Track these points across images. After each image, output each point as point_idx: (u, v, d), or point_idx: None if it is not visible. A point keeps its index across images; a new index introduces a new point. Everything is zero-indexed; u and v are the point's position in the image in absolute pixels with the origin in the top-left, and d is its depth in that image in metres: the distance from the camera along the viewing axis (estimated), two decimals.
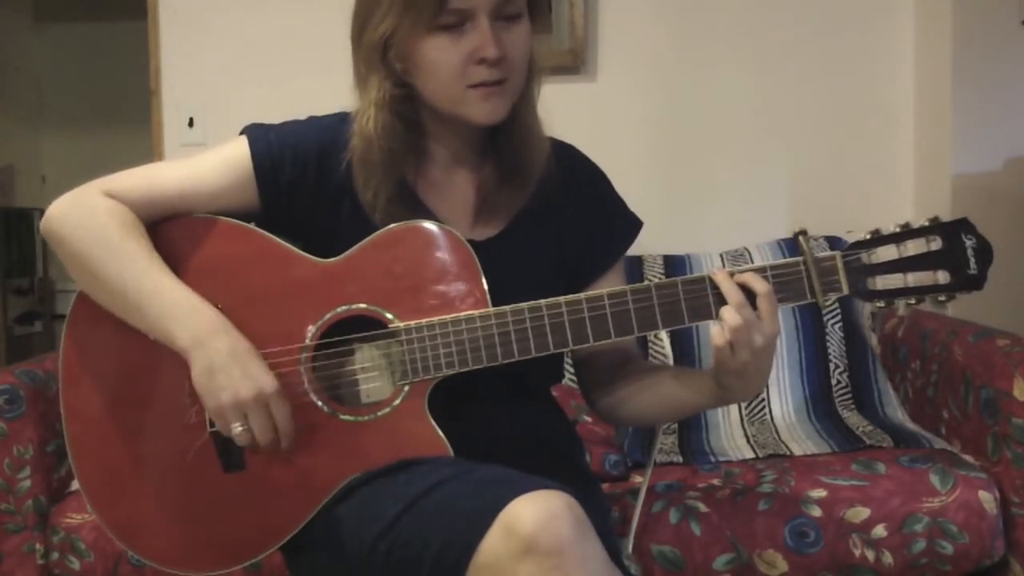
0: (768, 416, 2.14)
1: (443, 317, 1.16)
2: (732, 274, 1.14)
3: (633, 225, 1.36)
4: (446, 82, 1.16)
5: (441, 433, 1.16)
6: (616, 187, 1.37)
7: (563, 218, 1.30)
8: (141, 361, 1.20)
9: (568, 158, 1.33)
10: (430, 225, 1.19)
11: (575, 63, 2.51)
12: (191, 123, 2.60)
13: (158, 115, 2.62)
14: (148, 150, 2.64)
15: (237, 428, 1.12)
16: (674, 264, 2.30)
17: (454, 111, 1.19)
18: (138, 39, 2.77)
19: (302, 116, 1.29)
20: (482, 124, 1.20)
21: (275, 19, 2.57)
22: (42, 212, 1.21)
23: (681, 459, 1.90)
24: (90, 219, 1.17)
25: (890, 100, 2.53)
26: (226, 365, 1.12)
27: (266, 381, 1.12)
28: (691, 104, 2.56)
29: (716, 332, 1.13)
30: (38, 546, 1.73)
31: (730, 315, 1.12)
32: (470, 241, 1.20)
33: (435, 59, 1.16)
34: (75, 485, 1.81)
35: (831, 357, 2.19)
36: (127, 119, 3.87)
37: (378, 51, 1.18)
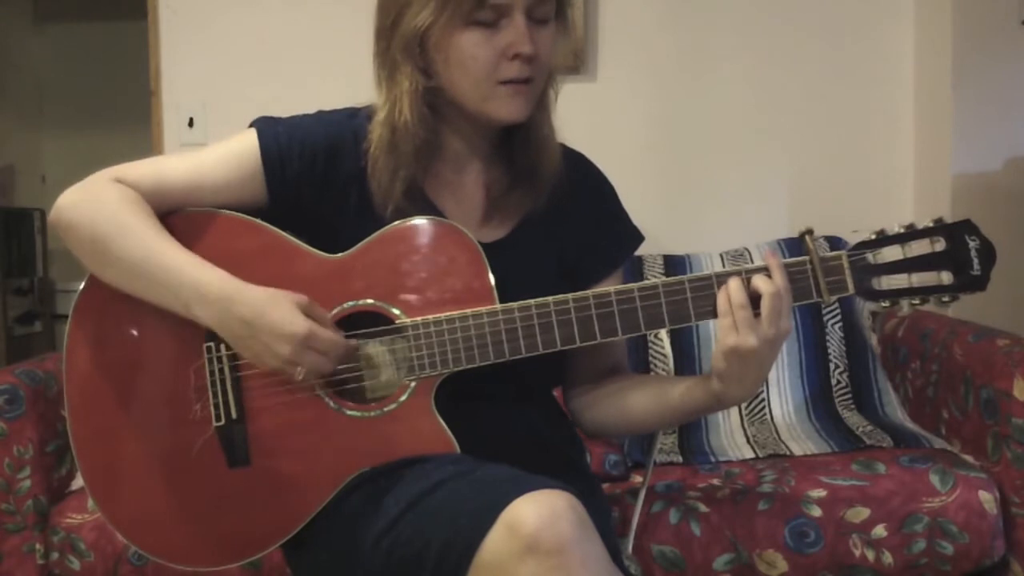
0: (768, 416, 2.14)
1: (449, 313, 1.16)
2: (748, 280, 1.14)
3: (634, 238, 1.36)
4: (477, 77, 1.17)
5: (447, 429, 1.16)
6: (616, 187, 1.37)
7: (568, 225, 1.30)
8: (146, 356, 1.21)
9: (578, 166, 1.33)
10: (437, 221, 1.20)
11: (575, 63, 2.51)
12: (191, 123, 2.60)
13: (158, 115, 2.62)
14: (148, 150, 2.64)
15: (299, 376, 1.13)
16: (674, 264, 2.30)
17: (479, 107, 1.19)
18: (138, 39, 2.76)
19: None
20: (505, 122, 1.20)
21: (275, 19, 2.57)
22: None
23: (681, 459, 1.90)
24: (101, 203, 1.17)
25: (890, 100, 2.52)
26: (251, 333, 1.12)
27: (292, 330, 1.11)
28: (691, 104, 2.56)
29: (722, 300, 1.13)
30: (38, 546, 1.73)
31: (736, 288, 1.12)
32: None
33: (469, 54, 1.16)
34: (75, 485, 1.81)
35: (831, 357, 2.19)
36: (127, 119, 3.86)
37: (414, 42, 1.18)
